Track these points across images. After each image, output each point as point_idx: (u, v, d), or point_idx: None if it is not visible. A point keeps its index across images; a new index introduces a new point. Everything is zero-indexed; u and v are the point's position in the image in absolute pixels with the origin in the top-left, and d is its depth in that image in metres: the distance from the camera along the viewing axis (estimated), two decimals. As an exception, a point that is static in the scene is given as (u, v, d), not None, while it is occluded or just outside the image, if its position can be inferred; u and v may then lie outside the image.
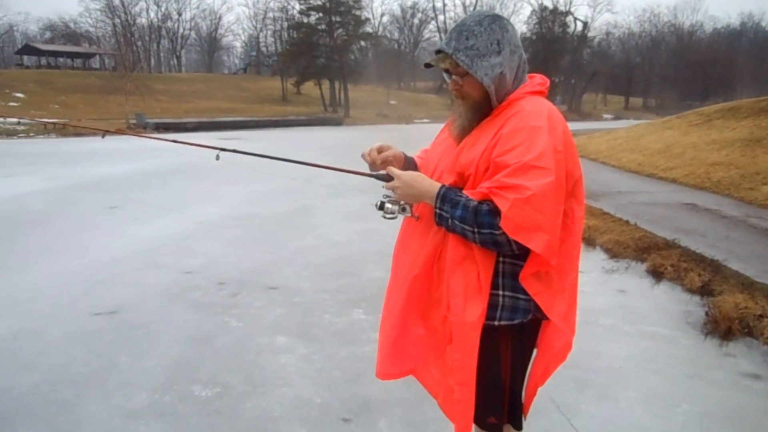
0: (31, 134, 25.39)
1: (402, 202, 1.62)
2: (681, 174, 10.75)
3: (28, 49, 56.55)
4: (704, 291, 4.46)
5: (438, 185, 1.52)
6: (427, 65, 1.60)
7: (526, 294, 1.52)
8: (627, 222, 6.80)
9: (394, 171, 1.59)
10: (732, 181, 9.39)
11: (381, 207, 1.62)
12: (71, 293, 4.48)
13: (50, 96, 38.93)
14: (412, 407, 2.72)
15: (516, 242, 1.38)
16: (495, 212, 1.38)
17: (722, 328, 3.76)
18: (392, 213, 1.63)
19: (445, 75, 1.57)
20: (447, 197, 1.48)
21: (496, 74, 1.47)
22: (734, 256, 5.31)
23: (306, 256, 5.63)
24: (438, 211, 1.50)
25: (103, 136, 3.34)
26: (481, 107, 1.52)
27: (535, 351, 1.70)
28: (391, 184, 1.59)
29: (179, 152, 17.60)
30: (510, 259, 1.50)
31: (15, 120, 27.63)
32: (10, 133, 25.07)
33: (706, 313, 4.01)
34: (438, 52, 1.55)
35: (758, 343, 3.58)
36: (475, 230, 1.43)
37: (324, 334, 3.69)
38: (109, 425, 2.62)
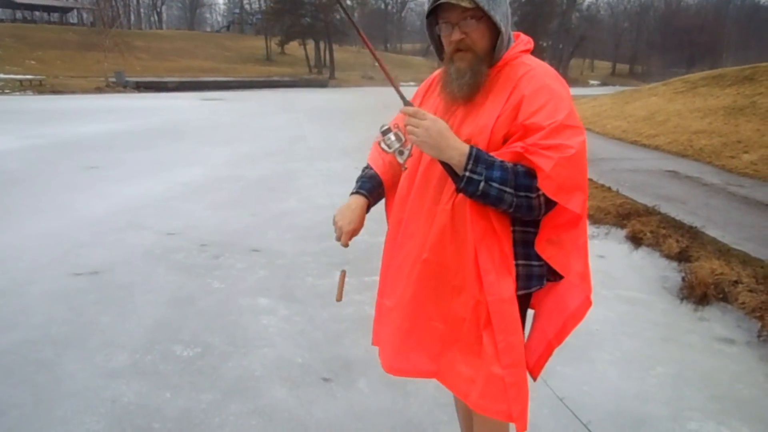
0: (6, 90, 24.70)
1: (405, 145, 1.41)
2: (664, 141, 10.81)
3: (2, 2, 54.45)
4: (681, 257, 4.54)
5: (467, 145, 1.35)
6: (438, 6, 1.38)
7: (539, 260, 1.48)
8: (609, 188, 6.85)
9: (426, 113, 1.35)
10: (714, 149, 9.47)
11: (385, 132, 1.41)
12: (52, 253, 4.43)
13: (26, 51, 37.72)
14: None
15: (546, 206, 1.36)
16: (531, 174, 1.32)
17: (698, 293, 3.84)
18: (389, 147, 1.41)
19: (437, 29, 1.45)
20: (480, 157, 1.33)
21: (506, 24, 1.39)
22: (712, 222, 5.39)
23: (289, 218, 5.61)
24: (467, 173, 1.32)
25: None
26: (483, 62, 1.40)
27: (531, 312, 1.66)
28: (415, 119, 1.35)
29: (161, 111, 17.30)
30: (520, 227, 1.46)
31: (-10, 76, 26.88)
32: (-16, 90, 24.38)
33: (683, 279, 4.09)
34: None
35: (732, 308, 3.67)
36: (514, 192, 1.33)
37: (306, 296, 3.71)
38: (90, 384, 2.62)
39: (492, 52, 1.41)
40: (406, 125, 1.36)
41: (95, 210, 5.76)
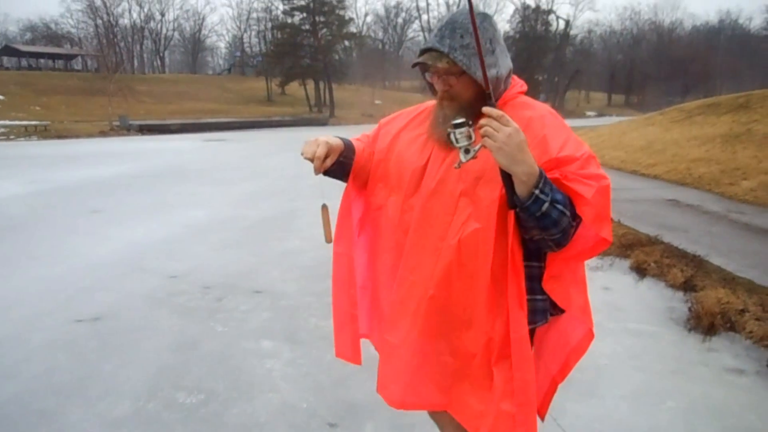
0: (12, 137, 25.02)
1: (474, 145, 1.30)
2: (663, 170, 10.87)
3: (8, 51, 55.70)
4: (687, 286, 4.51)
5: (536, 164, 1.29)
6: (418, 64, 1.47)
7: (543, 294, 1.48)
8: (611, 219, 6.85)
9: (510, 119, 1.27)
10: (713, 177, 9.52)
11: (459, 125, 1.30)
12: (54, 299, 4.42)
13: (31, 98, 38.43)
14: (399, 411, 2.72)
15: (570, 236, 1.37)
16: (572, 202, 1.34)
17: (705, 324, 3.80)
18: (456, 141, 1.30)
19: (426, 75, 1.49)
20: (547, 179, 1.30)
21: (493, 75, 1.40)
22: (716, 251, 5.37)
23: (292, 258, 5.61)
24: (537, 191, 1.27)
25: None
26: (473, 108, 1.40)
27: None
28: (498, 123, 1.25)
29: (164, 153, 17.48)
30: (526, 261, 1.45)
31: (-6, 123, 27.28)
32: (-11, 137, 24.69)
33: (689, 309, 4.05)
34: (427, 51, 1.44)
35: (740, 337, 3.63)
36: (570, 217, 1.32)
37: (310, 338, 3.67)
38: (93, 434, 2.58)
39: (478, 100, 1.39)
40: (483, 126, 1.27)
41: (97, 254, 5.77)
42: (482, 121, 1.27)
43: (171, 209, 8.28)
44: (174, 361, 3.35)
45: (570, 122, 1.56)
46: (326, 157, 1.53)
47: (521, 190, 1.28)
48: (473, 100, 1.43)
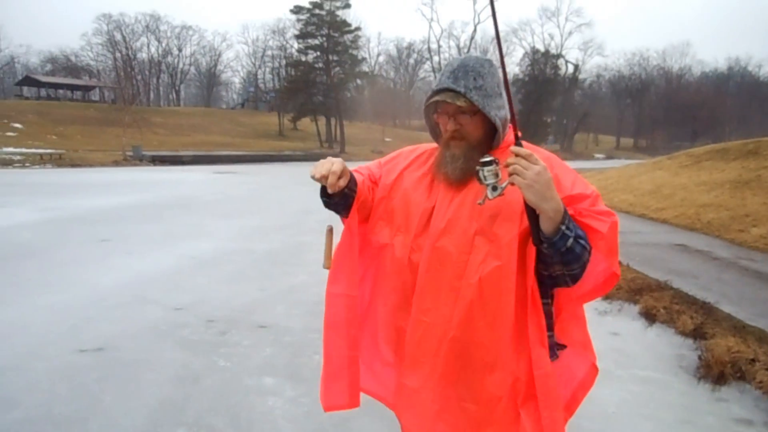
0: (27, 164, 25.43)
1: (500, 183, 1.32)
2: (672, 215, 10.84)
3: (28, 81, 57.12)
4: (697, 334, 4.45)
5: (561, 201, 1.31)
6: (433, 103, 1.49)
7: (552, 330, 1.50)
8: (620, 263, 6.80)
9: (538, 158, 1.29)
10: (722, 223, 9.47)
11: (487, 163, 1.32)
12: (58, 328, 4.41)
13: (48, 127, 39.19)
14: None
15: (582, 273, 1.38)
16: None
17: (715, 372, 3.73)
18: (484, 178, 1.32)
19: (440, 115, 1.50)
20: (568, 214, 1.33)
21: (503, 115, 1.47)
22: (726, 298, 5.31)
23: (298, 293, 5.59)
24: (563, 228, 1.29)
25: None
26: (480, 148, 1.47)
27: None
28: (527, 162, 1.27)
29: (175, 184, 17.67)
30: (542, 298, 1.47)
31: (11, 149, 27.74)
32: (5, 163, 25.12)
33: (699, 357, 3.99)
34: (441, 91, 1.45)
35: (750, 387, 3.56)
36: (590, 252, 1.35)
37: (313, 376, 3.63)
38: (90, 469, 2.54)
39: (485, 141, 1.49)
40: (511, 164, 1.28)
41: (103, 283, 5.78)
42: (510, 160, 1.29)
43: (178, 240, 8.32)
44: (175, 395, 3.32)
45: (579, 164, 1.60)
46: (341, 176, 1.43)
47: (548, 226, 1.29)
48: (481, 139, 1.48)
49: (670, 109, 69.30)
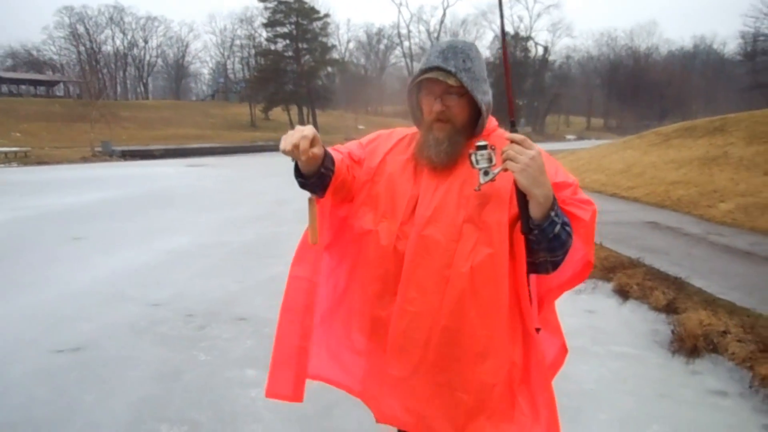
0: (-9, 164, 24.70)
1: (493, 168, 1.32)
2: (642, 193, 11.05)
3: (-13, 77, 55.32)
4: (669, 309, 4.56)
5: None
6: (419, 83, 1.45)
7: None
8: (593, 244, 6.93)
9: (532, 143, 1.30)
10: (691, 199, 9.69)
11: (481, 147, 1.33)
12: (34, 329, 4.33)
13: (11, 124, 38.03)
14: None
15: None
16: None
17: (688, 346, 3.84)
18: (476, 162, 1.33)
19: (426, 96, 1.46)
20: (556, 199, 1.33)
21: (488, 101, 1.45)
22: (696, 273, 5.45)
23: (276, 284, 5.53)
24: (552, 214, 1.30)
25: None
26: (461, 133, 1.45)
27: None
28: (521, 147, 1.27)
29: (147, 179, 17.37)
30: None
31: (-27, 150, 26.91)
32: (-32, 164, 24.36)
33: (672, 332, 4.10)
34: (429, 70, 1.41)
35: (723, 359, 3.67)
36: (573, 239, 1.36)
37: (295, 365, 3.63)
38: (73, 470, 2.52)
39: (469, 126, 1.47)
40: (506, 150, 1.29)
41: (79, 282, 5.68)
42: (505, 146, 1.29)
43: (154, 236, 8.21)
44: (156, 391, 3.29)
45: (551, 146, 1.62)
46: (314, 143, 1.32)
47: (537, 212, 1.29)
48: (466, 123, 1.46)
49: (638, 89, 70.28)
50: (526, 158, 1.25)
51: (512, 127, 1.33)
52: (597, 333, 4.20)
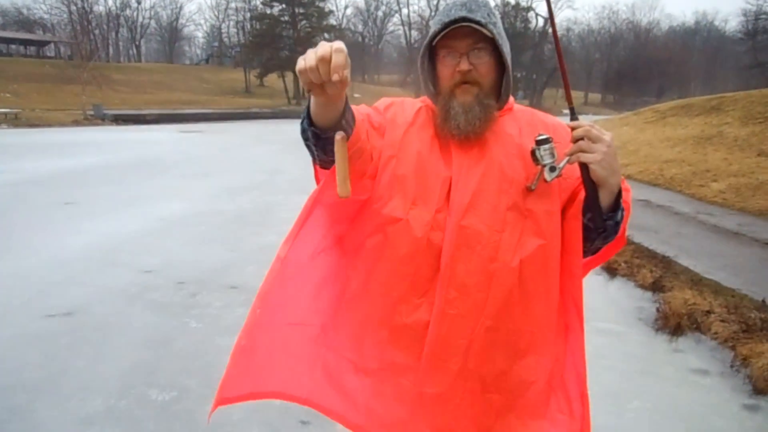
0: (-19, 125, 24.37)
1: (558, 162, 1.18)
2: (636, 170, 11.08)
3: (-24, 36, 54.15)
4: (656, 287, 4.63)
5: None
6: (445, 37, 1.23)
7: None
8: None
9: (600, 128, 1.17)
10: (684, 178, 9.74)
11: (543, 142, 1.18)
12: (24, 294, 4.35)
13: (1, 85, 37.43)
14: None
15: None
16: None
17: (672, 324, 3.91)
18: (541, 158, 1.18)
19: (446, 57, 1.26)
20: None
21: (510, 64, 1.28)
22: (684, 252, 5.51)
23: (268, 253, 5.53)
24: (621, 201, 1.21)
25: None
26: (488, 97, 1.26)
27: None
28: (595, 133, 1.15)
29: (140, 144, 17.22)
30: None
31: (-37, 110, 26.51)
32: (-43, 124, 24.03)
33: (657, 309, 4.16)
34: (453, 23, 1.20)
35: (706, 338, 3.75)
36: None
37: (285, 335, 3.68)
38: (64, 432, 2.57)
39: (494, 93, 1.29)
40: (577, 138, 1.16)
41: (70, 247, 5.68)
42: (577, 133, 1.16)
43: (146, 202, 8.18)
44: (147, 357, 3.33)
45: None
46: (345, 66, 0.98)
47: (608, 201, 1.18)
48: (491, 87, 1.28)
49: (637, 64, 69.77)
50: (603, 146, 1.13)
51: (572, 115, 1.22)
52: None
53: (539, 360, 1.28)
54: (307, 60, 0.99)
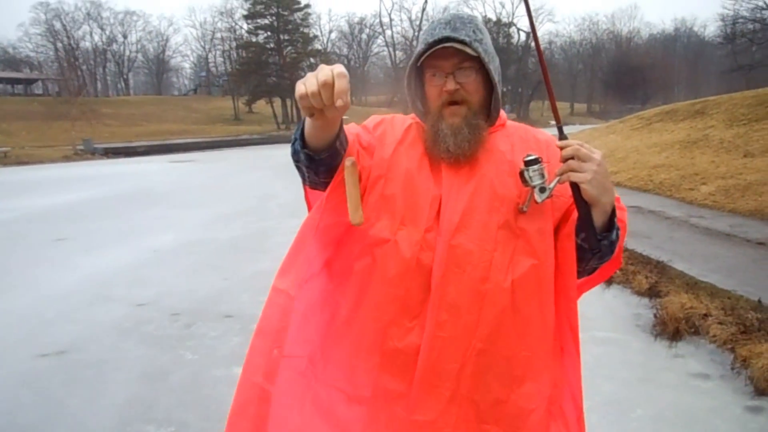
0: (-30, 165, 24.28)
1: (548, 183, 1.15)
2: (625, 177, 11.15)
3: (-38, 77, 54.26)
4: (652, 293, 4.63)
5: None
6: (421, 66, 1.24)
7: None
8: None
9: (590, 146, 1.15)
10: (673, 183, 9.81)
11: (531, 162, 1.15)
12: (17, 333, 4.30)
13: (-11, 124, 37.41)
14: None
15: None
16: None
17: (670, 329, 3.91)
18: (530, 179, 1.15)
19: (432, 77, 1.24)
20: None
21: (499, 79, 1.26)
22: (678, 256, 5.53)
23: (263, 280, 5.53)
24: (615, 220, 1.18)
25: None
26: (476, 117, 1.24)
27: None
28: (584, 152, 1.13)
29: (131, 177, 17.20)
30: None
31: (-49, 151, 26.42)
32: (-54, 165, 23.92)
33: (655, 315, 4.16)
34: (436, 43, 1.19)
35: (705, 342, 3.74)
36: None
37: (283, 361, 3.64)
38: (60, 474, 2.52)
39: (483, 111, 1.27)
40: (566, 158, 1.14)
41: (63, 284, 5.63)
42: (566, 152, 1.14)
43: (138, 234, 8.14)
44: (143, 392, 3.29)
45: (535, 132, 1.51)
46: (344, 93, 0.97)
47: (602, 220, 1.16)
48: (480, 105, 1.26)
49: (621, 73, 70.55)
50: (593, 166, 1.11)
51: (560, 134, 1.19)
52: (580, 319, 4.24)
53: (538, 387, 1.23)
54: (307, 85, 0.96)
